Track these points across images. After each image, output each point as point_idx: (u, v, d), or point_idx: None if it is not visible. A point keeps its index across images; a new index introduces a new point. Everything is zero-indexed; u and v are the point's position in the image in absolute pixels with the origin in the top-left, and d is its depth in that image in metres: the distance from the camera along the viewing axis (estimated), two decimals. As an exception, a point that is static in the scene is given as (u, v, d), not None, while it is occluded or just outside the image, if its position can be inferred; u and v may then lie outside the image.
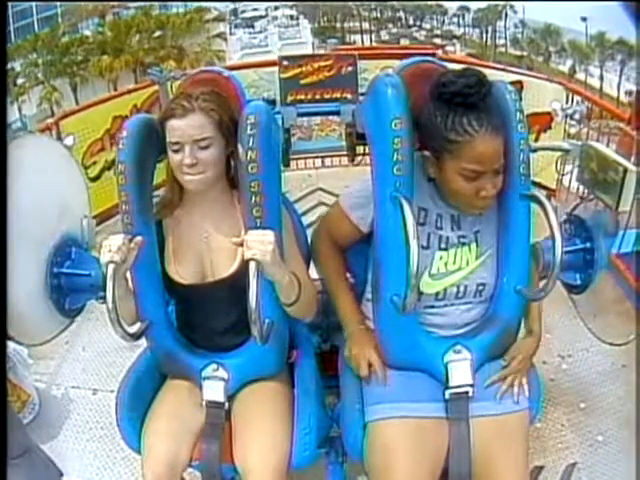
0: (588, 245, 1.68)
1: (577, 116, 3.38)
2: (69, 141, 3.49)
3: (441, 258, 1.47)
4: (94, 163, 4.00)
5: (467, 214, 1.47)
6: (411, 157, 1.38)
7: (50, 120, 3.84)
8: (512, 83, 3.84)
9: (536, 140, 3.90)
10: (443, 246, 1.48)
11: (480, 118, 1.32)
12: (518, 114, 1.43)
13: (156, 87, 3.83)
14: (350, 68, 1.95)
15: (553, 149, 1.97)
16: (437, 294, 1.48)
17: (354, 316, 1.60)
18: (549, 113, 3.75)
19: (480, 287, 1.49)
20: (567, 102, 3.65)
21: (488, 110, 1.34)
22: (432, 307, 1.49)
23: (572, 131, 3.51)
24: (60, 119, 3.89)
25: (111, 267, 1.33)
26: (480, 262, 1.49)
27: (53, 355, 2.76)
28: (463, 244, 1.48)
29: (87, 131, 3.98)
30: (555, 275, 1.36)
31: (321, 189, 4.38)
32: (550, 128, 3.83)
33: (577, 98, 3.73)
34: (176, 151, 1.43)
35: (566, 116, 3.49)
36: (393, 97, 1.37)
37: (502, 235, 1.48)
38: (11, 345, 2.29)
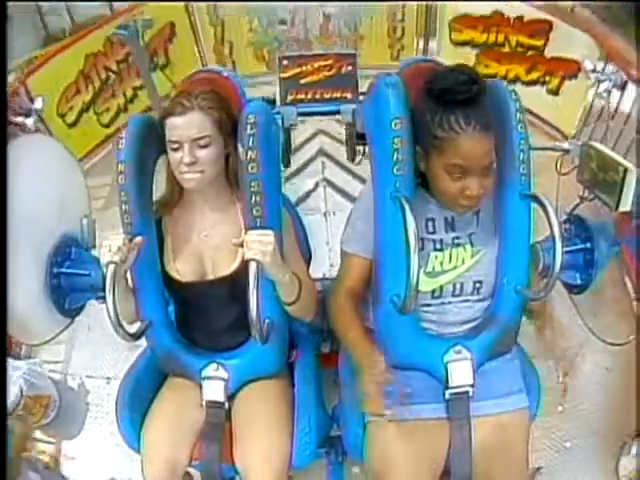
0: (588, 245, 1.67)
1: (608, 85, 3.07)
2: (38, 104, 3.20)
3: (436, 257, 1.47)
4: (70, 109, 3.80)
5: (461, 215, 1.45)
6: (411, 157, 1.38)
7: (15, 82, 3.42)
8: (539, 21, 3.65)
9: (559, 87, 3.77)
10: (438, 247, 1.48)
11: (468, 116, 1.29)
12: (518, 114, 1.43)
13: (131, 10, 3.67)
14: (350, 68, 1.94)
15: (553, 149, 1.96)
16: (433, 292, 1.48)
17: (369, 348, 1.44)
18: (577, 62, 3.53)
19: (477, 284, 1.49)
20: (599, 60, 3.31)
21: (478, 108, 1.30)
22: (429, 305, 1.49)
23: (597, 103, 3.25)
24: (27, 77, 3.51)
25: (111, 267, 1.34)
26: (476, 260, 1.48)
27: (60, 339, 2.72)
28: (457, 245, 1.48)
29: (59, 79, 3.72)
30: (555, 275, 1.36)
31: (323, 132, 3.93)
32: (576, 77, 3.62)
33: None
34: (175, 149, 1.43)
35: (598, 81, 3.17)
36: (393, 97, 1.37)
37: (502, 235, 1.48)
38: (23, 366, 2.32)
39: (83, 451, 2.40)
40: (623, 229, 1.67)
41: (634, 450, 2.14)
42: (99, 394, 2.56)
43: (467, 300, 1.50)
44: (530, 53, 3.87)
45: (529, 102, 3.19)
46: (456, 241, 1.48)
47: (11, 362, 2.35)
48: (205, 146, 1.43)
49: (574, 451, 2.24)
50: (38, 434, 2.50)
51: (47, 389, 2.44)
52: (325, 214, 3.33)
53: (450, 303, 1.49)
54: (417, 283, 1.26)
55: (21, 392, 2.28)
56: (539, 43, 3.79)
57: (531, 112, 3.54)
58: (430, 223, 1.47)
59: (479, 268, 1.48)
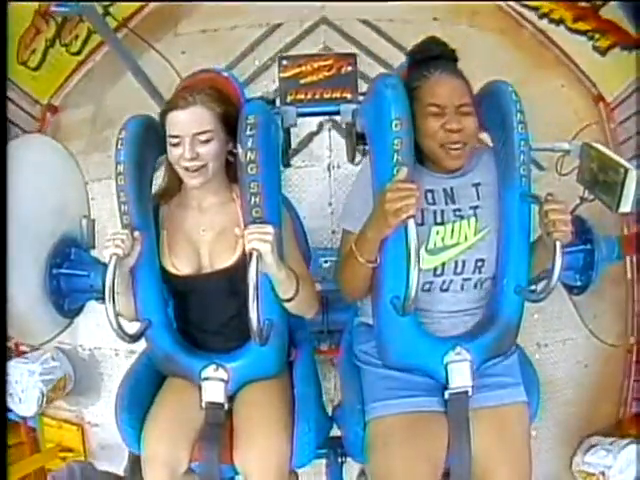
0: (588, 246, 1.67)
1: None
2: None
3: (437, 233, 1.46)
4: (33, 52, 3.45)
5: (460, 185, 1.47)
6: (411, 157, 1.38)
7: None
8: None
9: (607, 49, 3.35)
10: (439, 220, 1.47)
11: (437, 65, 1.45)
12: (518, 115, 1.43)
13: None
14: (350, 68, 1.94)
15: (553, 149, 1.95)
16: (435, 269, 1.46)
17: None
18: (632, 35, 3.05)
19: (479, 263, 1.47)
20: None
21: (448, 64, 1.47)
22: (431, 283, 1.47)
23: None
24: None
25: (114, 259, 1.34)
26: (479, 237, 1.47)
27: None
28: (461, 217, 1.47)
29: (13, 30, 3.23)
30: (556, 276, 1.35)
31: (327, 21, 3.19)
32: (630, 50, 3.14)
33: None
34: (176, 145, 1.43)
35: None
36: (393, 98, 1.37)
37: (502, 235, 1.48)
38: (37, 368, 2.39)
39: (105, 418, 2.46)
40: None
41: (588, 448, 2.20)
42: (110, 366, 2.58)
43: (468, 279, 1.48)
44: (583, 4, 3.38)
45: (572, 49, 3.23)
46: (458, 213, 1.48)
47: (23, 367, 2.38)
48: (206, 141, 1.43)
49: (536, 440, 2.21)
50: (62, 403, 2.58)
51: (63, 370, 2.51)
52: (329, 166, 2.95)
53: (452, 282, 1.47)
54: (417, 291, 1.26)
55: (42, 393, 2.32)
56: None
57: (573, 62, 3.40)
58: (430, 194, 1.47)
59: (482, 246, 1.48)
